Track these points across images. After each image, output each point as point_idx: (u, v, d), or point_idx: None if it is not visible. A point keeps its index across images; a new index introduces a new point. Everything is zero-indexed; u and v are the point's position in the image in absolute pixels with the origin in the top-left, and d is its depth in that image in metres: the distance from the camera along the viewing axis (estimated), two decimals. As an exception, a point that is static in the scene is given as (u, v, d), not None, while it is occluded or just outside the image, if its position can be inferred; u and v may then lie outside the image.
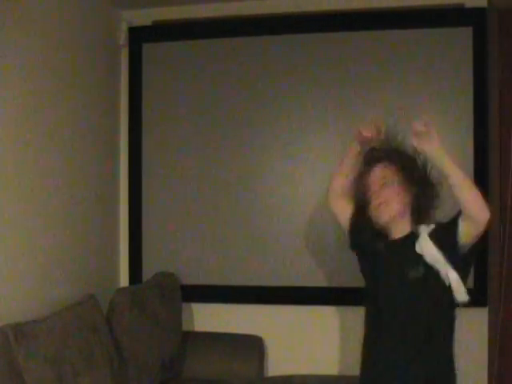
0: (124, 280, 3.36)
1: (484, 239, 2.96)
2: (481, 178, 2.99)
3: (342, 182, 2.23)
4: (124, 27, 3.33)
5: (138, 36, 3.35)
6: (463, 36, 3.01)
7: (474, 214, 1.85)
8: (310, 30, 3.16)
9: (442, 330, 1.98)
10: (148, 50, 3.34)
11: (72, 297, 2.56)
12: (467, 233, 1.90)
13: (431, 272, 1.92)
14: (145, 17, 3.36)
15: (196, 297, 3.29)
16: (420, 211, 2.02)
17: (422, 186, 2.04)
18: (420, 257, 1.92)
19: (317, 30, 3.16)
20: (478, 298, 3.01)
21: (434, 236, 1.95)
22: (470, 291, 3.00)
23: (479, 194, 1.86)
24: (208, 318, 3.31)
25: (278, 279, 3.18)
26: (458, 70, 3.02)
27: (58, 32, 2.67)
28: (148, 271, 3.27)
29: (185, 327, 3.20)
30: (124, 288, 3.10)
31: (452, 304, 1.95)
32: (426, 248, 1.91)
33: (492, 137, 3.01)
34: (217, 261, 3.25)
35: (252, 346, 3.12)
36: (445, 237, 1.93)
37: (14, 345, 1.97)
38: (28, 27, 2.44)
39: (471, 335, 3.06)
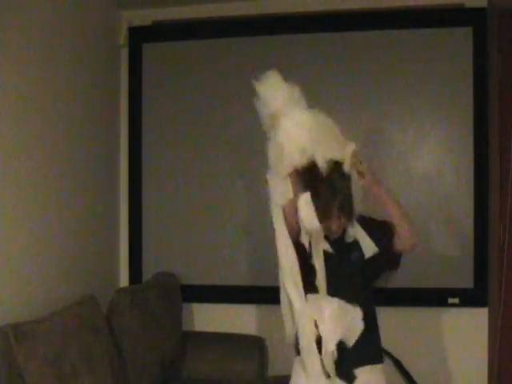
0: (124, 280, 3.37)
1: (484, 239, 3.01)
2: (481, 178, 3.00)
3: None
4: (124, 27, 3.34)
5: (138, 36, 3.35)
6: (463, 36, 3.01)
7: (404, 240, 2.08)
8: (310, 30, 3.17)
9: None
10: (148, 49, 3.34)
11: (72, 297, 2.56)
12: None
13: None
14: (145, 17, 3.36)
15: (196, 297, 3.29)
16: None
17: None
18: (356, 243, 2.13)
19: (317, 30, 3.16)
20: (478, 297, 3.02)
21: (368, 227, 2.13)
22: (470, 291, 3.06)
23: (412, 224, 2.09)
24: (208, 318, 3.31)
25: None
26: (458, 70, 3.02)
27: (58, 32, 2.67)
28: (148, 271, 3.27)
29: (185, 327, 3.20)
30: (124, 288, 3.10)
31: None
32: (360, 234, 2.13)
33: (492, 137, 3.01)
34: (217, 261, 3.25)
35: (252, 346, 3.12)
36: (380, 236, 2.12)
37: (14, 345, 1.97)
38: (28, 27, 2.44)
39: (471, 335, 3.06)
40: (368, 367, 2.12)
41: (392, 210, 2.08)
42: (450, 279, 3.05)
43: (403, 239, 2.08)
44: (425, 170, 3.08)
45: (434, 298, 3.06)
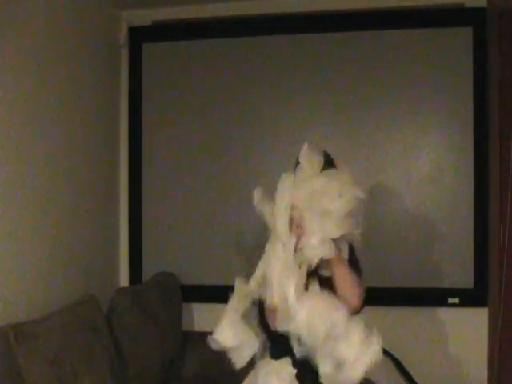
0: (124, 280, 3.37)
1: (484, 239, 3.01)
2: (481, 178, 3.00)
3: None
4: (124, 27, 3.34)
5: (138, 36, 3.35)
6: (463, 36, 3.01)
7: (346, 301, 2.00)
8: (310, 30, 3.17)
9: None
10: (148, 49, 3.34)
11: (72, 297, 2.56)
12: None
13: None
14: (145, 17, 3.36)
15: (196, 297, 3.29)
16: None
17: None
18: None
19: (317, 30, 3.16)
20: (478, 297, 3.02)
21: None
22: (470, 291, 3.06)
23: (355, 284, 2.03)
24: (208, 318, 3.30)
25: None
26: (458, 70, 3.03)
27: (57, 32, 2.67)
28: (148, 271, 3.27)
29: (185, 327, 3.20)
30: (124, 288, 3.10)
31: None
32: None
33: (492, 137, 3.01)
34: (217, 261, 3.25)
35: (252, 346, 3.12)
36: None
37: (14, 345, 1.97)
38: (28, 27, 2.45)
39: (471, 335, 3.06)
40: None
41: (341, 277, 2.03)
42: (450, 279, 3.05)
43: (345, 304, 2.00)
44: (425, 170, 3.08)
45: (434, 297, 3.06)
